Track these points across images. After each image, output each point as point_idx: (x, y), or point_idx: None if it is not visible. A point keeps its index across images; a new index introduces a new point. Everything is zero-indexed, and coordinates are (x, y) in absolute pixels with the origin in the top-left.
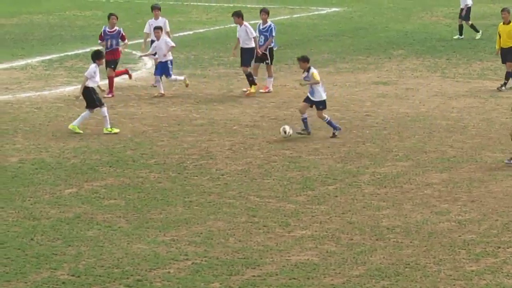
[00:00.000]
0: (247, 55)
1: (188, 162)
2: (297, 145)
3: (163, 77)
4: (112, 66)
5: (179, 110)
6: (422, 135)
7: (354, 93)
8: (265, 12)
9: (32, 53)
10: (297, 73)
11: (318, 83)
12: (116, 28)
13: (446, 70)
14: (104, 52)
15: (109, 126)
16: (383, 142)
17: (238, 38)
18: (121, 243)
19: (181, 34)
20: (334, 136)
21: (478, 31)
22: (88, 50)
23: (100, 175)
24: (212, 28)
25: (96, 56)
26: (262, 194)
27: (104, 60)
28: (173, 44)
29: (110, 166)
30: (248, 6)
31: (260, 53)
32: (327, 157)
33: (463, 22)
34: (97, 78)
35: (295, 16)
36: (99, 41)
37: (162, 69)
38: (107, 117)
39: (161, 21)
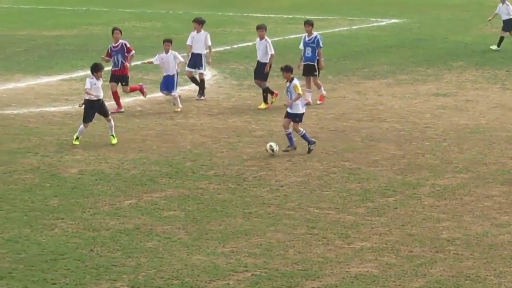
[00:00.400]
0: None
1: (248, 174)
2: (357, 156)
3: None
4: (124, 83)
5: (238, 121)
6: (482, 147)
7: (414, 104)
8: (309, 24)
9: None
10: (356, 85)
11: (300, 96)
12: (120, 42)
13: (506, 82)
14: (112, 69)
15: (113, 133)
16: (443, 154)
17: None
18: (180, 254)
19: (240, 45)
20: (310, 151)
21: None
22: (146, 61)
23: (159, 187)
24: (271, 39)
25: (93, 69)
26: (322, 206)
27: (101, 73)
28: (181, 60)
29: (169, 178)
30: (308, 17)
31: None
32: (386, 169)
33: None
34: (99, 90)
35: (354, 27)
36: (107, 58)
37: (167, 82)
38: (111, 128)
39: (202, 34)
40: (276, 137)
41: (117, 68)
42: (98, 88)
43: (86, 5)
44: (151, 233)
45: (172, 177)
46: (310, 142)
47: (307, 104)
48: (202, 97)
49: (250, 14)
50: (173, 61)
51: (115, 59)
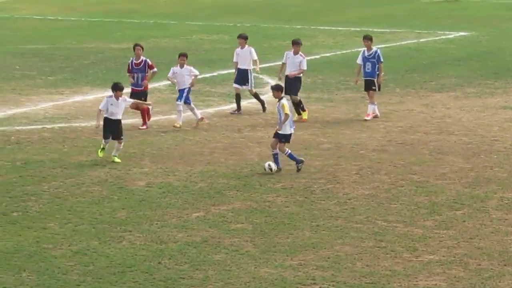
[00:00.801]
0: (298, 84)
1: (315, 186)
2: (424, 169)
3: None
4: (143, 98)
5: (306, 134)
6: None
7: (482, 117)
8: (368, 38)
9: (159, 76)
10: (424, 97)
11: (288, 116)
12: (142, 59)
13: None
14: (131, 87)
15: (116, 154)
16: (511, 167)
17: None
18: (248, 267)
19: (308, 58)
20: (298, 170)
21: None
22: (215, 74)
23: (227, 199)
24: (338, 52)
25: (112, 88)
26: (390, 219)
27: (121, 92)
28: (197, 73)
29: (237, 190)
30: (375, 30)
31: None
32: (454, 182)
33: None
34: (115, 110)
35: (422, 40)
36: (128, 74)
37: (181, 94)
38: (118, 149)
39: (247, 50)
40: (343, 150)
41: (136, 87)
42: (115, 108)
43: (153, 18)
44: (219, 246)
45: (239, 189)
46: (298, 162)
47: (375, 117)
48: (237, 112)
49: (318, 27)
50: (187, 75)
51: (136, 77)
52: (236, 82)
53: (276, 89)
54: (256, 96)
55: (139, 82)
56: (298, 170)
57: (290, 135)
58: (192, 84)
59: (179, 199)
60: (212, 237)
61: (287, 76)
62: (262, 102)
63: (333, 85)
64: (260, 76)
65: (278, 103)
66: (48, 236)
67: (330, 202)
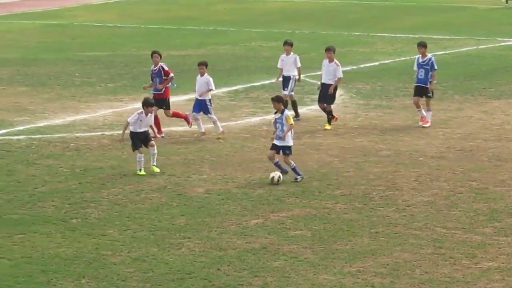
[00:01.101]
0: (334, 93)
1: (374, 193)
2: (484, 176)
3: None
4: (164, 107)
5: (365, 141)
6: None
7: None
8: (422, 45)
9: (219, 83)
10: (483, 104)
11: (293, 127)
12: (159, 65)
13: None
14: (153, 93)
15: (154, 163)
16: None
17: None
18: (307, 274)
19: (367, 65)
20: (296, 180)
21: None
22: (273, 80)
23: (286, 206)
24: (397, 59)
25: (143, 103)
26: (448, 226)
27: (152, 109)
28: (212, 88)
29: (296, 197)
30: (434, 37)
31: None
32: None
33: None
34: (143, 124)
35: (481, 47)
36: (147, 86)
37: (200, 107)
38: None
39: (292, 57)
40: (402, 156)
41: (157, 92)
42: (143, 123)
43: (212, 25)
44: (277, 253)
45: (298, 196)
46: (298, 174)
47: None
48: (297, 119)
49: (377, 34)
50: (205, 83)
51: (155, 83)
52: (283, 89)
53: (276, 100)
54: (287, 103)
55: (156, 86)
56: (296, 180)
57: (291, 146)
58: (200, 94)
59: (238, 205)
60: (271, 243)
61: (323, 84)
62: (296, 110)
63: (392, 92)
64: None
65: (280, 115)
66: (108, 242)
67: (389, 209)
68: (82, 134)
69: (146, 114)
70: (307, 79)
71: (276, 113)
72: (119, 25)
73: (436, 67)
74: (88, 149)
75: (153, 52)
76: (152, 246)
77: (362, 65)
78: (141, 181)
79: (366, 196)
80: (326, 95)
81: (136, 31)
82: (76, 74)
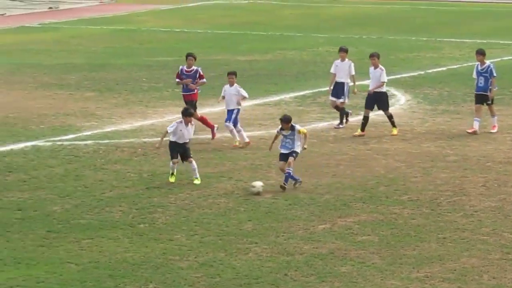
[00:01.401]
0: (385, 98)
1: (442, 199)
2: None
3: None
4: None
5: (432, 146)
6: None
7: None
8: (480, 53)
9: (286, 89)
10: None
11: (307, 135)
12: (194, 67)
13: None
14: (182, 93)
15: (197, 176)
16: None
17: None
18: (374, 279)
19: (434, 70)
20: (282, 187)
21: None
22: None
23: (353, 211)
24: (465, 64)
25: (183, 113)
26: None
27: (191, 119)
28: (245, 95)
29: (363, 202)
30: (501, 42)
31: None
32: None
33: None
34: (184, 135)
35: None
36: (177, 80)
37: (229, 115)
38: (195, 170)
39: (347, 63)
40: (470, 162)
41: (186, 93)
42: (184, 133)
43: (279, 30)
44: (345, 258)
45: (365, 202)
46: (295, 181)
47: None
48: (341, 126)
49: (444, 39)
50: (235, 95)
51: (184, 84)
52: (333, 95)
53: (285, 121)
54: (342, 110)
55: (187, 87)
56: (282, 187)
57: (299, 153)
58: (238, 103)
59: (305, 211)
60: (338, 249)
61: (370, 92)
62: (346, 116)
63: (459, 97)
64: (386, 88)
65: (291, 131)
66: (175, 247)
67: (457, 214)
68: (150, 139)
69: (186, 124)
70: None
71: (281, 129)
72: (186, 30)
73: (495, 74)
74: (156, 154)
75: (188, 55)
76: (219, 251)
77: (430, 70)
78: (208, 186)
79: (433, 201)
80: (379, 103)
81: (203, 36)
82: (144, 79)
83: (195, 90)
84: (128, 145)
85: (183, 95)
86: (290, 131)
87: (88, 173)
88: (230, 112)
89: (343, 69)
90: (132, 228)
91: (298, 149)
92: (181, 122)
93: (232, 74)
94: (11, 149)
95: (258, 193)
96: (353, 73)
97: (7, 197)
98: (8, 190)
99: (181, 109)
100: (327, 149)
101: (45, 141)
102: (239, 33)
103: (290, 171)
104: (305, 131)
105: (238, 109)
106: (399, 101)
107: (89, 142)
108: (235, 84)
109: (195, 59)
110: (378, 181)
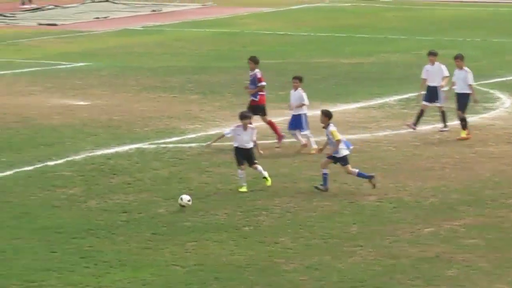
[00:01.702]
0: (465, 100)
1: None
2: None
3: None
4: (260, 113)
5: None
6: None
7: None
8: None
9: (389, 91)
10: None
11: (340, 142)
12: (255, 71)
13: None
14: (250, 100)
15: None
16: None
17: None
18: (481, 283)
19: None
20: (317, 187)
21: None
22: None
23: (458, 215)
24: None
25: (240, 117)
26: None
27: (248, 121)
28: (306, 103)
29: (468, 206)
30: None
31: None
32: None
33: None
34: (245, 139)
35: None
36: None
37: (296, 123)
38: (261, 172)
39: (437, 66)
40: None
41: (253, 99)
42: (244, 138)
43: (383, 33)
44: (451, 261)
45: (471, 205)
46: (368, 177)
47: None
48: (445, 129)
49: None
50: (298, 100)
51: (250, 88)
52: (425, 99)
53: (324, 114)
54: (443, 114)
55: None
56: (317, 187)
57: (346, 156)
58: (291, 108)
59: (410, 214)
60: (444, 252)
61: (457, 94)
62: (445, 120)
63: None
64: (492, 91)
65: (325, 129)
66: (280, 250)
67: None
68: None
69: (244, 128)
70: (479, 87)
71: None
72: (289, 33)
73: None
74: (260, 157)
75: (249, 58)
76: (324, 254)
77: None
78: (312, 189)
79: None
80: (459, 102)
81: (307, 38)
82: (247, 82)
83: (257, 96)
84: (232, 148)
85: (251, 101)
86: (326, 128)
87: (192, 176)
88: (297, 118)
89: (434, 73)
90: (237, 230)
91: (342, 152)
92: (239, 126)
93: (297, 78)
94: (116, 152)
95: (183, 206)
96: (447, 74)
97: (112, 199)
98: (113, 193)
99: (284, 112)
100: (431, 152)
101: (149, 144)
102: (342, 35)
103: (357, 172)
104: (338, 137)
105: (305, 114)
106: (504, 104)
107: (193, 144)
108: (299, 89)
109: (255, 62)
110: (484, 185)
